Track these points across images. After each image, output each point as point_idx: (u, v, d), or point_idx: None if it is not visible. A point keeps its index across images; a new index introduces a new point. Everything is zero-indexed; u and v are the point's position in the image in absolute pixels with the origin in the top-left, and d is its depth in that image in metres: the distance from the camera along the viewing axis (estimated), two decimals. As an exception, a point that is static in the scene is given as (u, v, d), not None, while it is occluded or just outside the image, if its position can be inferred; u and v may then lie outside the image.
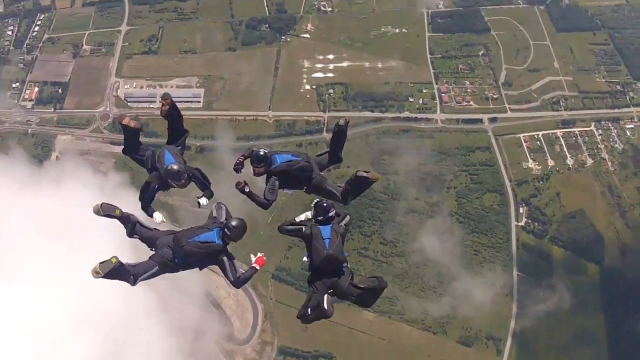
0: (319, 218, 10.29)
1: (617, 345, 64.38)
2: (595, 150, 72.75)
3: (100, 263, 8.64)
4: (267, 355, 65.37)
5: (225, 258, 9.49)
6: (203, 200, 10.52)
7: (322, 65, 77.17)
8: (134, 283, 9.17)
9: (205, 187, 10.62)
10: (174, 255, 9.40)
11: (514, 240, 68.25)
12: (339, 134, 11.12)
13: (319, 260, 9.87)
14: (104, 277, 8.70)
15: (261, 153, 10.33)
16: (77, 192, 57.16)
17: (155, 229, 9.93)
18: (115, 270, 8.79)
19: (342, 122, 10.91)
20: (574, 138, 73.54)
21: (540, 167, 71.63)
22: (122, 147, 10.42)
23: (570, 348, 64.43)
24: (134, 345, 55.64)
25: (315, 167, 11.02)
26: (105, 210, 9.38)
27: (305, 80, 76.18)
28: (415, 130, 72.98)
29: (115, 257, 8.77)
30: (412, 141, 71.93)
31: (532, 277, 67.09)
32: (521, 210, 69.39)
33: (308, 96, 74.84)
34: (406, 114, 73.59)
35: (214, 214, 10.09)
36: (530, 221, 69.03)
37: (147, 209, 10.21)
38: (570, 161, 71.99)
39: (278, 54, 78.59)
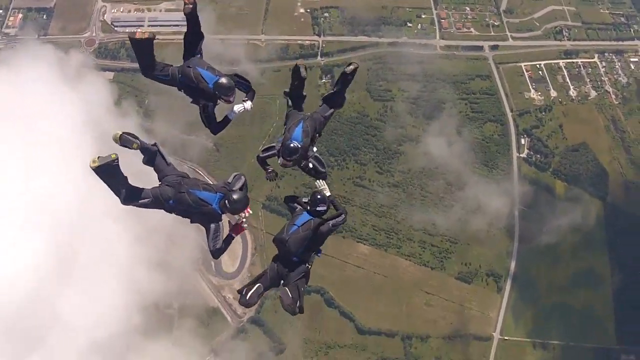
0: (309, 207, 10.14)
1: (622, 285, 63.55)
2: (599, 83, 71.70)
3: (100, 156, 8.60)
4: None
5: (213, 225, 9.37)
6: (248, 105, 10.47)
7: None
8: (123, 201, 9.12)
9: (248, 88, 10.58)
10: (171, 196, 9.31)
11: (516, 172, 67.15)
12: (345, 78, 10.81)
13: (274, 239, 10.01)
14: (97, 170, 8.58)
15: (292, 146, 9.90)
16: (35, 74, 55.20)
17: (172, 165, 9.79)
18: (110, 168, 8.69)
19: (349, 69, 10.60)
20: (576, 69, 72.39)
21: (542, 97, 70.44)
22: (140, 68, 9.99)
23: (573, 286, 63.46)
24: (90, 248, 53.20)
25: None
26: (124, 142, 9.12)
27: (299, 4, 74.06)
28: (413, 55, 71.16)
29: (116, 154, 8.66)
30: (409, 67, 70.22)
31: (534, 210, 66.05)
32: (523, 141, 68.25)
33: (302, 20, 72.96)
34: (404, 39, 71.83)
35: (229, 180, 9.96)
36: (532, 153, 67.93)
37: (218, 127, 10.40)
38: (573, 92, 70.88)
39: None
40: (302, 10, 73.25)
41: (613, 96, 70.98)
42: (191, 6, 10.12)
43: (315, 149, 10.45)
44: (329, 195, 10.40)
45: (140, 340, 57.45)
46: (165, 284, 59.17)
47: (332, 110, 10.91)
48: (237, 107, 10.23)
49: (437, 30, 72.98)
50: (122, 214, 53.69)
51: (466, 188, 65.79)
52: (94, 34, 72.55)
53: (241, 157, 65.25)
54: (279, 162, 10.11)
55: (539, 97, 70.23)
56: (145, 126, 65.12)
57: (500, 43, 72.33)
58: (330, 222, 10.04)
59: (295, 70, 10.33)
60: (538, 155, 67.72)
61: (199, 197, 9.19)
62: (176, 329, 61.09)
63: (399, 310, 62.50)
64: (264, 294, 9.97)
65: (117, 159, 8.64)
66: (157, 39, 9.90)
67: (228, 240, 9.70)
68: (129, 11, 73.69)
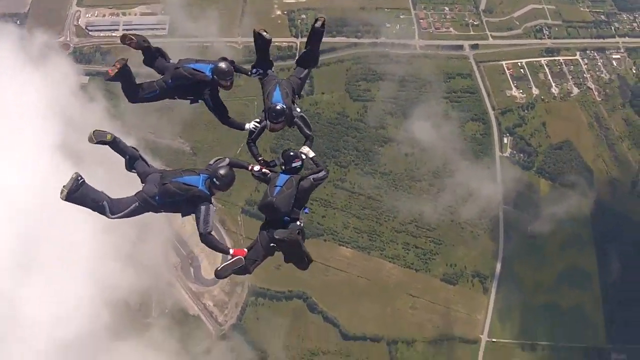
0: (283, 167, 10.11)
1: (610, 283, 63.45)
2: (581, 80, 71.88)
3: (64, 185, 8.57)
4: (237, 296, 62.93)
5: (203, 207, 9.12)
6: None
7: None
8: (111, 216, 9.03)
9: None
10: (155, 192, 9.23)
11: (499, 171, 66.90)
12: (316, 34, 10.81)
13: (260, 205, 9.89)
14: (69, 198, 8.60)
15: (278, 107, 10.00)
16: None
17: (152, 166, 9.76)
18: (79, 190, 8.69)
19: (318, 23, 10.62)
20: (558, 67, 72.62)
21: (524, 95, 70.55)
22: (126, 97, 10.25)
23: (560, 285, 63.21)
24: (52, 238, 51.51)
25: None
26: (98, 137, 9.13)
27: (276, 6, 74.12)
28: (392, 56, 71.18)
29: (76, 173, 8.70)
30: (389, 67, 70.19)
31: (518, 210, 65.99)
32: (505, 140, 68.18)
33: (279, 22, 72.79)
34: (383, 39, 71.93)
35: (211, 162, 9.84)
36: (515, 152, 67.86)
37: (228, 120, 10.37)
38: (555, 90, 71.02)
39: None
40: (278, 12, 73.25)
41: (596, 93, 71.11)
42: (134, 41, 9.94)
43: (298, 109, 10.35)
44: (313, 156, 10.38)
45: (109, 340, 56.08)
46: (136, 280, 57.92)
47: (306, 70, 10.91)
48: (251, 125, 10.22)
49: (416, 31, 72.91)
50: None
51: (449, 187, 65.44)
52: (68, 39, 72.26)
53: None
54: (268, 128, 10.08)
55: (520, 94, 70.29)
56: (120, 130, 64.41)
57: (480, 42, 72.47)
58: (312, 177, 9.98)
59: (257, 35, 10.40)
60: (521, 154, 67.64)
61: (182, 182, 9.09)
62: (149, 330, 59.95)
63: (383, 314, 61.97)
64: (259, 263, 9.77)
65: (79, 176, 8.65)
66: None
67: (225, 251, 9.81)
68: (104, 15, 73.56)
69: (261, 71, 10.69)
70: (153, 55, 10.16)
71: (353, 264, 63.24)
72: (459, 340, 61.85)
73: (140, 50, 9.98)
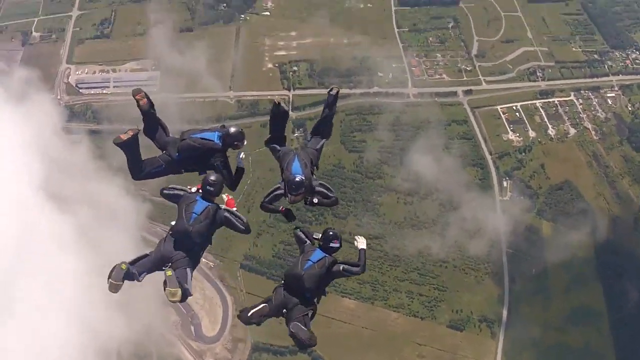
0: (321, 244, 11.23)
1: (619, 319, 69.48)
2: (578, 120, 79.05)
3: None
4: (240, 352, 67.80)
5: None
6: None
7: (285, 42, 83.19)
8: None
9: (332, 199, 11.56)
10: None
11: (501, 215, 73.29)
12: (331, 103, 12.37)
13: (287, 273, 10.98)
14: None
15: (297, 179, 10.81)
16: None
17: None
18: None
19: (333, 91, 12.18)
20: (554, 108, 79.84)
21: (521, 138, 77.32)
22: (130, 173, 11.21)
23: (569, 325, 69.09)
24: (34, 280, 54.24)
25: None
26: (117, 278, 9.63)
27: (267, 59, 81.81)
28: (386, 105, 78.53)
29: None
30: (383, 116, 77.38)
31: (521, 253, 72.17)
32: (505, 184, 74.80)
33: (271, 74, 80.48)
34: (376, 89, 79.46)
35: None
36: (515, 195, 74.38)
37: (237, 181, 11.45)
38: (552, 131, 78.01)
39: (237, 32, 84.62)
40: (270, 65, 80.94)
41: (593, 132, 78.16)
42: (145, 100, 10.93)
43: (316, 179, 11.25)
44: (362, 249, 11.47)
45: None
46: (127, 328, 61.46)
47: (322, 140, 12.02)
48: (241, 155, 11.46)
49: (409, 78, 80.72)
50: (71, 242, 57.73)
51: (450, 232, 72.17)
52: (58, 97, 79.74)
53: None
54: (288, 200, 10.94)
55: (517, 138, 77.32)
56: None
57: (473, 87, 79.96)
58: (344, 266, 10.98)
59: (275, 106, 11.59)
60: (522, 197, 74.06)
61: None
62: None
63: None
64: (265, 319, 10.74)
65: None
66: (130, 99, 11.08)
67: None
68: (94, 72, 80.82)
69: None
70: (155, 125, 11.07)
71: (357, 315, 68.48)
72: None
73: (143, 115, 10.89)
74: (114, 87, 79.21)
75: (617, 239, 73.46)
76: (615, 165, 77.30)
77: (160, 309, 66.61)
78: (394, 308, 69.92)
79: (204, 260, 70.37)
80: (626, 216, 74.83)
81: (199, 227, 10.20)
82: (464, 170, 75.58)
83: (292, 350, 67.39)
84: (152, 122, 11.04)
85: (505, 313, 70.50)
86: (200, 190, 10.63)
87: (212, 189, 10.41)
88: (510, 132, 78.71)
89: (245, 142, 11.20)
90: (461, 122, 78.68)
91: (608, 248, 72.74)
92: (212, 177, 10.44)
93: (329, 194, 11.34)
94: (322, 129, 12.42)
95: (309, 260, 10.69)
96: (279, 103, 11.84)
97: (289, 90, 79.76)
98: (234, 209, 10.91)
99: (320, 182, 11.35)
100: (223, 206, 10.79)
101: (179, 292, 9.46)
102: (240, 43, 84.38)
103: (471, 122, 78.84)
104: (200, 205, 10.34)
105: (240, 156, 11.46)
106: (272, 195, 11.09)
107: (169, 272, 9.67)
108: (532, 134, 78.73)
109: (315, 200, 11.22)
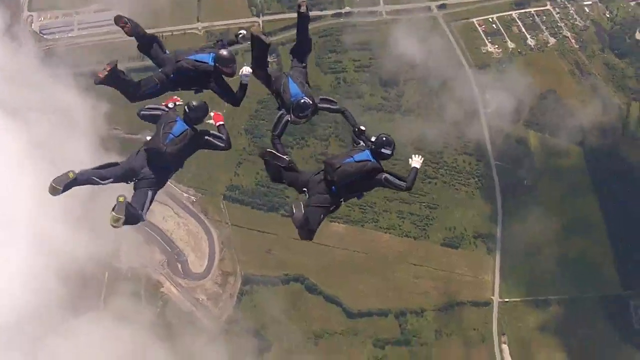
0: (373, 147, 10.99)
1: (615, 227, 69.44)
2: (556, 29, 78.25)
3: (114, 209, 9.14)
4: (230, 286, 66.98)
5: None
6: (246, 69, 11.40)
7: None
8: (131, 99, 10.83)
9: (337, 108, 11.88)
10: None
11: (486, 128, 73.10)
12: (303, 19, 12.06)
13: (326, 160, 10.90)
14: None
15: (303, 102, 10.75)
16: None
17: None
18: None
19: (302, 9, 11.77)
20: (530, 18, 78.92)
21: (500, 50, 76.67)
22: (127, 98, 11.14)
23: (567, 236, 68.98)
24: None
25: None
26: (59, 183, 9.36)
27: None
28: (359, 25, 77.34)
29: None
30: (357, 36, 76.13)
31: (511, 164, 71.80)
32: (487, 96, 74.17)
33: (238, 1, 78.79)
34: (347, 9, 78.04)
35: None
36: (499, 106, 73.39)
37: (239, 96, 11.24)
38: (531, 42, 77.24)
39: None
40: None
41: (573, 41, 77.52)
42: (129, 25, 10.98)
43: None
44: (414, 167, 11.03)
45: (63, 318, 58.93)
46: (92, 247, 60.23)
47: (305, 57, 11.98)
48: (245, 70, 11.05)
49: None
50: (28, 151, 57.07)
51: (436, 147, 71.96)
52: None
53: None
54: (291, 121, 10.99)
55: (496, 50, 76.64)
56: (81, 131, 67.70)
57: (447, 1, 78.64)
58: (387, 176, 10.66)
59: (255, 39, 10.95)
60: (506, 108, 73.10)
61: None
62: (114, 302, 63.70)
63: (386, 287, 66.57)
64: (285, 175, 10.89)
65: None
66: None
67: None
68: (57, 17, 78.20)
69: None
70: (149, 42, 11.12)
71: (347, 239, 67.56)
72: (469, 304, 66.81)
73: (133, 37, 10.94)
74: (78, 29, 77.56)
75: (607, 146, 73.32)
76: (599, 73, 76.75)
77: (144, 248, 67.02)
78: (384, 229, 69.30)
79: (185, 195, 70.33)
80: (614, 123, 74.62)
81: (173, 148, 10.03)
82: (445, 85, 74.88)
83: (284, 279, 67.16)
84: (144, 40, 11.08)
85: (499, 227, 70.23)
86: (179, 106, 10.67)
87: (192, 114, 10.24)
88: (489, 45, 77.90)
89: (234, 68, 10.93)
90: (438, 35, 77.69)
91: (598, 156, 72.81)
92: (194, 103, 10.27)
93: (332, 106, 11.50)
94: (301, 47, 12.12)
95: (351, 157, 10.65)
96: (258, 35, 11.24)
97: (258, 16, 78.52)
98: (221, 122, 10.88)
99: (321, 96, 11.43)
100: (210, 121, 10.77)
101: (121, 220, 9.09)
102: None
103: (448, 36, 77.68)
104: (180, 126, 10.23)
105: (243, 72, 11.10)
106: (281, 124, 10.98)
107: (121, 199, 9.22)
108: (511, 45, 77.99)
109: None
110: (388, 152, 10.69)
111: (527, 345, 67.28)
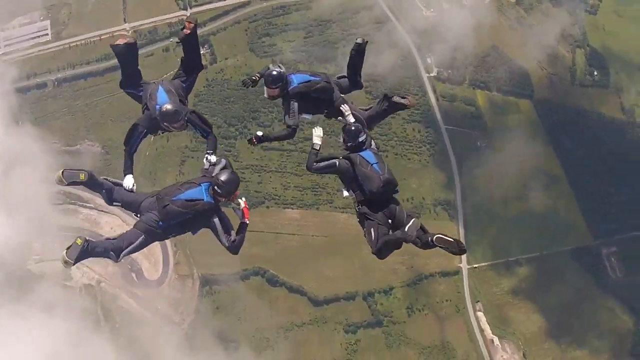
0: (349, 144, 10.60)
1: (577, 177, 69.38)
2: None
3: (67, 249, 8.51)
4: (189, 289, 65.33)
5: (216, 219, 9.37)
6: (212, 158, 10.30)
7: None
8: (116, 259, 9.14)
9: (205, 132, 10.56)
10: (158, 217, 9.25)
11: (431, 92, 72.14)
12: (357, 55, 12.00)
13: (377, 187, 10.16)
14: (75, 262, 8.51)
15: (274, 72, 10.84)
16: None
17: (138, 192, 9.91)
18: (85, 251, 8.63)
19: (359, 40, 11.88)
20: None
21: (436, 13, 75.60)
22: (123, 78, 10.43)
23: (528, 192, 68.38)
24: None
25: (336, 89, 11.62)
26: (69, 178, 9.10)
27: None
28: (290, 5, 76.11)
29: (79, 237, 8.74)
30: (288, 17, 75.05)
31: (462, 127, 70.96)
32: (429, 60, 73.13)
33: None
34: None
35: (205, 166, 10.02)
36: (442, 69, 72.94)
37: (128, 160, 10.36)
38: (466, 1, 76.39)
39: None
40: None
41: None
42: (189, 31, 10.41)
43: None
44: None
45: None
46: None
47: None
48: (240, 203, 10.01)
49: None
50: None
51: (383, 122, 71.42)
52: None
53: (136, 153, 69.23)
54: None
55: (432, 13, 75.61)
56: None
57: None
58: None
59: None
60: (449, 70, 72.71)
61: (185, 199, 9.21)
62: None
63: (351, 269, 65.09)
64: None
65: (84, 240, 8.75)
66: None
67: (242, 228, 9.69)
68: None
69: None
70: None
71: (304, 224, 66.46)
72: (439, 275, 65.70)
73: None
74: (5, 46, 75.96)
75: (558, 97, 73.35)
76: (539, 24, 76.17)
77: (95, 263, 64.28)
78: (341, 209, 67.63)
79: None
80: (562, 73, 74.35)
81: (174, 210, 9.21)
82: (384, 55, 72.60)
83: (244, 275, 65.90)
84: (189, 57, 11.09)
85: (458, 192, 69.51)
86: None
87: (221, 192, 9.36)
88: (424, 9, 76.81)
89: (177, 126, 10.21)
90: (369, 8, 76.31)
91: (550, 108, 72.65)
92: (222, 178, 9.37)
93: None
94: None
95: (371, 164, 10.39)
96: (360, 41, 11.61)
97: (186, 9, 76.62)
98: (247, 221, 9.87)
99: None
100: (235, 206, 9.87)
101: (70, 265, 8.56)
102: (126, -29, 78.83)
103: (380, 5, 76.64)
104: (196, 193, 9.37)
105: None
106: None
107: (79, 241, 8.60)
108: (445, 5, 77.03)
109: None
110: (364, 137, 10.66)
111: (503, 309, 66.34)
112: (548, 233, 67.52)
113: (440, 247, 9.50)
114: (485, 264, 67.49)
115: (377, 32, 74.09)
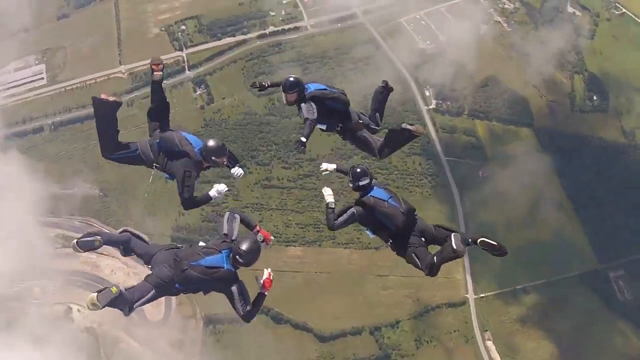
0: (355, 185, 10.77)
1: (582, 203, 68.94)
2: (487, 16, 78.16)
3: (99, 293, 8.24)
4: (193, 329, 64.81)
5: (234, 287, 9.18)
6: (238, 171, 10.80)
7: (167, 4, 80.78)
8: (128, 312, 8.83)
9: (236, 161, 10.88)
10: (174, 278, 9.07)
11: (431, 125, 71.83)
12: (381, 95, 12.30)
13: (402, 221, 10.39)
14: (102, 308, 8.32)
15: (292, 79, 11.37)
16: None
17: (151, 243, 9.81)
18: (114, 300, 8.42)
19: (383, 82, 12.09)
20: (459, 10, 78.62)
21: (433, 45, 75.95)
22: (101, 146, 9.93)
23: (534, 220, 68.32)
24: None
25: (354, 113, 11.99)
26: (84, 247, 8.94)
27: (152, 24, 79.48)
28: (286, 42, 76.66)
29: (116, 286, 8.52)
30: (285, 54, 75.42)
31: (462, 158, 70.93)
32: (427, 92, 73.29)
33: (159, 39, 78.37)
34: (271, 28, 77.49)
35: (225, 230, 9.60)
36: (440, 101, 73.06)
37: (194, 201, 10.03)
38: (462, 32, 75.81)
39: (116, 6, 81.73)
40: (156, 30, 79.06)
41: (505, 25, 77.45)
42: (160, 73, 10.25)
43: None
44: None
45: None
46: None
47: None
48: (263, 276, 9.97)
49: (303, 10, 78.98)
50: None
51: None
52: None
53: (130, 195, 68.67)
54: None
55: (429, 45, 76.02)
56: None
57: (370, 6, 78.36)
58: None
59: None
60: (448, 102, 72.86)
61: (206, 265, 8.96)
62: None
63: (356, 304, 64.63)
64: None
65: (119, 290, 8.43)
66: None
67: (259, 300, 9.60)
68: None
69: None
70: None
71: (306, 261, 66.07)
72: (445, 306, 64.97)
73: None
74: (0, 90, 76.52)
75: (558, 124, 73.10)
76: (535, 52, 76.59)
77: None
78: (344, 245, 67.37)
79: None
80: (560, 99, 74.37)
81: (192, 275, 8.92)
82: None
83: None
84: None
85: (462, 222, 68.60)
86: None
87: (242, 261, 8.97)
88: (420, 42, 77.25)
89: (225, 160, 10.31)
90: (367, 42, 77.08)
91: (552, 135, 72.39)
92: (244, 247, 8.90)
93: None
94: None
95: (386, 200, 10.55)
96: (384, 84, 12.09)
97: (181, 50, 77.73)
98: (266, 292, 9.78)
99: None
100: (260, 280, 9.76)
101: (97, 308, 8.12)
102: (121, 16, 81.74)
103: (377, 40, 77.22)
104: (218, 260, 9.04)
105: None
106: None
107: (114, 289, 8.30)
108: (442, 37, 77.43)
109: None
110: (366, 181, 10.72)
111: (513, 338, 65.45)
112: (554, 259, 66.80)
113: (483, 249, 9.90)
114: (492, 293, 66.69)
115: (373, 66, 74.76)
